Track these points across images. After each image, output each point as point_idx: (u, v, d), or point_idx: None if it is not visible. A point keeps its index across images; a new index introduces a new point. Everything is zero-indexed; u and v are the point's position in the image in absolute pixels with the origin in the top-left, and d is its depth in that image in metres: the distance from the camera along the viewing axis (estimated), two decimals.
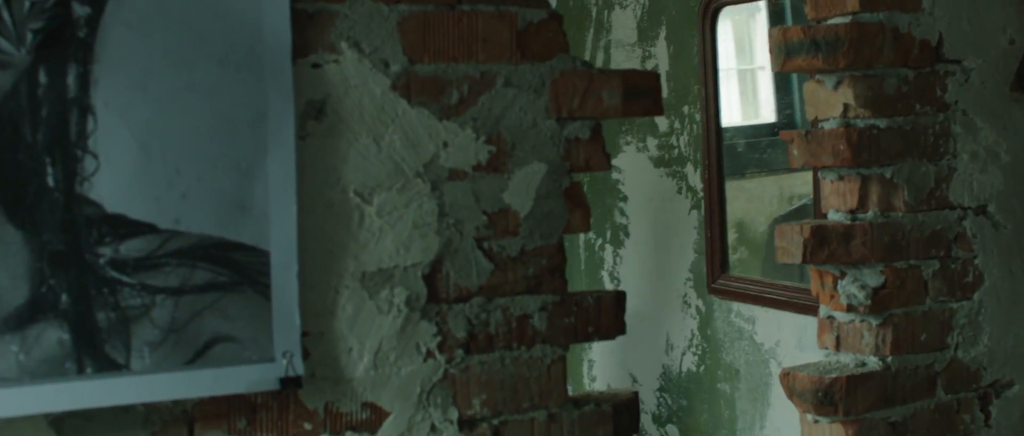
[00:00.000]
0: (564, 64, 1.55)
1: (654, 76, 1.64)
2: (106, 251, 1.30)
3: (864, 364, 1.88)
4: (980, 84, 1.95)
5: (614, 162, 3.97)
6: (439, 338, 1.50)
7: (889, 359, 1.87)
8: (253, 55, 1.36)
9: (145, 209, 1.31)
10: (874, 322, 1.87)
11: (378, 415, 1.47)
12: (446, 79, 1.49)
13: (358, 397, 1.46)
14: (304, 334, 1.42)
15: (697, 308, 3.51)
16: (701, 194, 3.45)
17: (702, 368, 3.54)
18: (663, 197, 3.67)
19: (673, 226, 3.59)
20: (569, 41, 1.56)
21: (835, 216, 1.88)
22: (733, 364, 3.39)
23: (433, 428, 1.50)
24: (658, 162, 3.68)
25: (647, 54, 3.72)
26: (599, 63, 3.92)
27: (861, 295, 1.85)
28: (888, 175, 1.86)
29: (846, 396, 1.83)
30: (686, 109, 3.51)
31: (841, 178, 1.90)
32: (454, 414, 1.51)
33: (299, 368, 1.40)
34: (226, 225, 1.36)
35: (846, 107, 1.85)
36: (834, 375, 1.84)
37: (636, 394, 1.73)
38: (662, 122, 3.67)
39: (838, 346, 1.92)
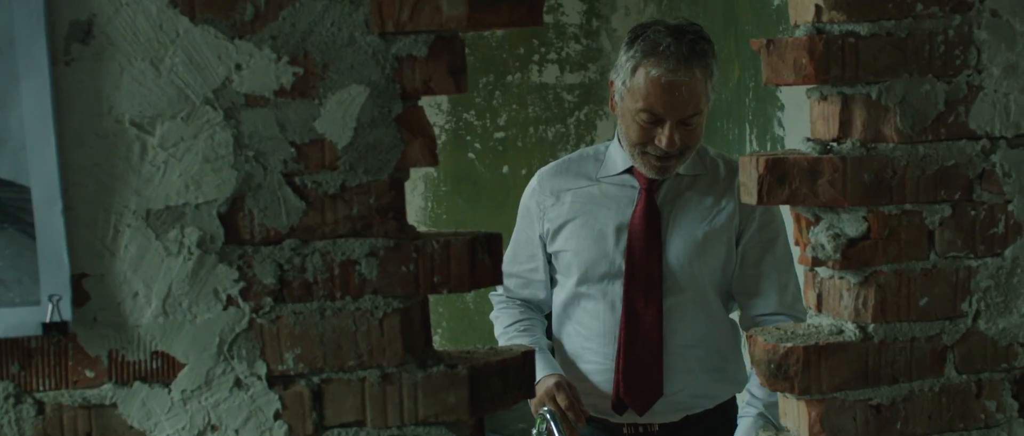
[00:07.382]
0: None
1: None
2: None
3: (841, 332, 1.51)
4: None
5: None
6: (242, 284, 1.34)
7: (871, 327, 1.49)
8: None
9: None
10: (853, 280, 1.49)
11: (171, 365, 1.35)
12: None
13: (147, 345, 1.34)
14: (83, 275, 1.32)
15: None
16: None
17: None
18: None
19: None
20: None
21: (805, 146, 1.50)
22: None
23: (238, 383, 1.36)
24: None
25: None
26: None
27: (830, 247, 1.47)
28: (874, 96, 1.46)
29: (803, 370, 1.48)
30: None
31: (824, 98, 1.52)
32: (262, 369, 1.36)
33: (66, 313, 1.30)
34: None
35: (817, 9, 1.45)
36: (790, 344, 1.49)
37: (529, 353, 1.49)
38: None
39: (820, 306, 1.55)
